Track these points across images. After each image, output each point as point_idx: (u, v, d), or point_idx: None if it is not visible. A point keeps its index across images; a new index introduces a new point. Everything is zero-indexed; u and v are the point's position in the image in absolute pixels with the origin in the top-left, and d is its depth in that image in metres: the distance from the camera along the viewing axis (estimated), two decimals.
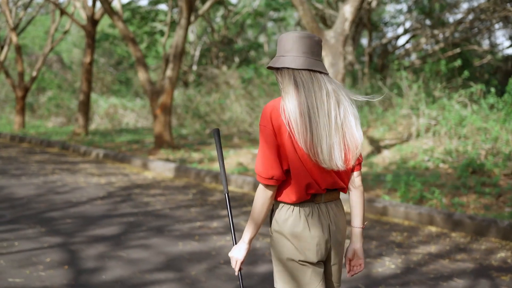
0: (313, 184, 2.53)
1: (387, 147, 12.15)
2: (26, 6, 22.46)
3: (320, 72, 2.54)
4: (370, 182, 9.17)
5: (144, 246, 5.83)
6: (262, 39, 33.18)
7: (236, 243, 2.74)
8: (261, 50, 30.02)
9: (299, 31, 2.68)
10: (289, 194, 2.56)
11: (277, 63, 2.54)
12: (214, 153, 13.27)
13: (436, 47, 18.21)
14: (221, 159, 2.90)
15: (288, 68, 2.53)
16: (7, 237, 6.02)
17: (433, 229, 6.85)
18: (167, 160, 12.44)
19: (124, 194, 8.94)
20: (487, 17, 16.86)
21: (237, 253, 2.63)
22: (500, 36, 41.61)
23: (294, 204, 2.57)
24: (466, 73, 13.04)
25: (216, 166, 11.63)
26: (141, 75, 14.20)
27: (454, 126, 11.26)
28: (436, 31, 18.36)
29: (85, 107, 18.04)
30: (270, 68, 2.60)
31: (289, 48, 2.53)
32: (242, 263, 2.65)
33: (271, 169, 2.49)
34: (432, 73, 14.36)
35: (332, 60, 10.54)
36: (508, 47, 21.50)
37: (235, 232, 2.83)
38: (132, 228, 6.60)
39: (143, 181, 10.32)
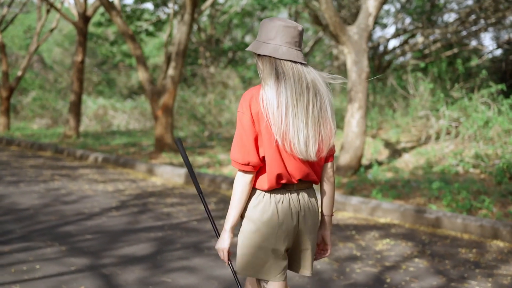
0: (284, 175, 2.55)
1: (406, 150, 11.48)
2: (9, 4, 21.39)
3: (301, 63, 2.55)
4: (405, 189, 8.46)
5: (188, 269, 5.03)
6: (247, 39, 32.39)
7: (219, 236, 2.71)
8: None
9: (284, 18, 2.58)
10: (261, 181, 2.59)
11: (260, 50, 2.54)
12: (221, 156, 12.49)
13: (433, 47, 17.58)
14: (189, 165, 2.91)
15: (270, 56, 2.53)
16: (25, 258, 5.19)
17: (500, 244, 6.14)
18: (171, 164, 11.64)
19: (139, 203, 8.13)
20: (487, 16, 16.30)
21: (222, 243, 2.63)
22: (487, 38, 41.36)
23: (265, 191, 2.59)
24: (484, 72, 12.42)
25: (228, 171, 10.87)
26: (141, 74, 13.36)
27: (480, 128, 10.61)
28: (438, 30, 17.75)
29: (77, 108, 17.12)
30: (250, 50, 2.58)
31: (273, 36, 2.52)
32: (229, 253, 2.64)
33: (247, 155, 2.51)
34: (447, 73, 13.69)
35: (355, 57, 9.83)
36: (496, 49, 21.05)
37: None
38: (165, 246, 5.79)
39: (154, 188, 9.51)
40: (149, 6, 55.42)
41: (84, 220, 6.90)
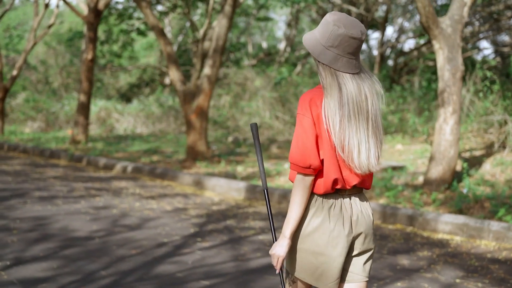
0: (340, 180, 2.48)
1: (482, 159, 10.17)
2: None
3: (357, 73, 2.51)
4: None
5: None
6: (242, 39, 31.00)
7: (276, 240, 2.58)
8: (244, 51, 27.96)
9: (350, 22, 2.41)
10: (317, 185, 2.50)
11: (320, 56, 2.44)
12: (268, 166, 11.03)
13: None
14: (260, 154, 2.74)
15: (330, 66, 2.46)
16: None
17: None
18: (212, 174, 10.15)
19: (220, 228, 6.64)
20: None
21: (279, 250, 2.49)
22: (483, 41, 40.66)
23: (319, 195, 2.52)
24: None
25: (281, 182, 9.42)
26: (172, 73, 11.81)
27: None
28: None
29: (86, 110, 15.55)
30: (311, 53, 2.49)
31: (336, 44, 2.42)
32: (284, 260, 2.53)
33: (309, 158, 2.43)
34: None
35: (448, 54, 8.48)
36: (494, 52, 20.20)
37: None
38: None
39: (218, 207, 8.03)
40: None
41: (176, 255, 5.40)
